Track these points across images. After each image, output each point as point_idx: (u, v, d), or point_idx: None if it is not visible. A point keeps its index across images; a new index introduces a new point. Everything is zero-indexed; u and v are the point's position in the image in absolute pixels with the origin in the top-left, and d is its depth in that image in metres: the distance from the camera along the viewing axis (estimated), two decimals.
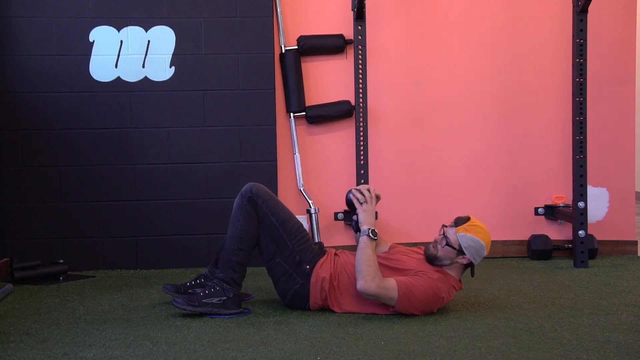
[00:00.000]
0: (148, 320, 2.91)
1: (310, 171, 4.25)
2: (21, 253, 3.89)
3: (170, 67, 4.02)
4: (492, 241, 4.25)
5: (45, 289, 3.56)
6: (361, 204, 3.05)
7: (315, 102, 4.24)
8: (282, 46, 4.18)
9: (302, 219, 4.07)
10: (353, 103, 4.19)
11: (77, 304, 3.23)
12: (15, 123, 3.94)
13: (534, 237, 4.23)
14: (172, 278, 3.79)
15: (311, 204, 4.14)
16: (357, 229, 3.06)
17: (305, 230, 3.09)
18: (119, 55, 3.99)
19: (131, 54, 4.00)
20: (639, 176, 5.55)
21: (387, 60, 4.26)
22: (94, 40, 3.98)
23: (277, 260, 3.01)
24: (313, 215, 4.12)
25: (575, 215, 3.99)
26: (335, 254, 3.09)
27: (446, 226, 3.01)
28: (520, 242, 4.32)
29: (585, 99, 4.01)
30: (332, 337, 2.63)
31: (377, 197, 3.11)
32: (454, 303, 3.11)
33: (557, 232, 4.34)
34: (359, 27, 3.95)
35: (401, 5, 4.25)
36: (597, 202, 4.34)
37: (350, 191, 3.10)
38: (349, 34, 4.21)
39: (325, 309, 3.03)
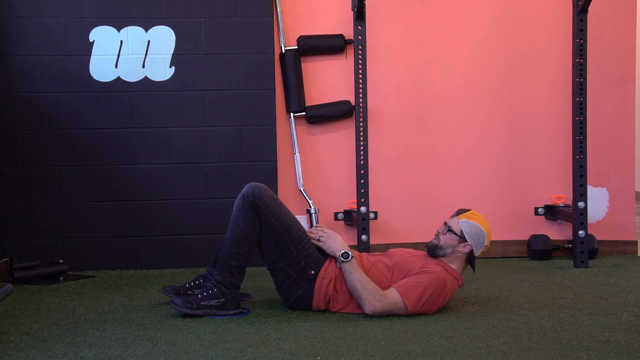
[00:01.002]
0: (148, 320, 2.91)
1: (310, 171, 4.25)
2: (21, 253, 3.89)
3: (170, 67, 4.02)
4: (492, 241, 4.26)
5: (45, 289, 3.56)
6: (319, 240, 3.03)
7: (315, 102, 4.24)
8: (282, 46, 4.18)
9: (302, 219, 4.08)
10: (353, 103, 4.19)
11: (77, 304, 3.23)
12: (15, 123, 3.94)
13: (534, 237, 4.23)
14: (172, 278, 3.79)
15: (311, 204, 4.14)
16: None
17: (307, 234, 3.07)
18: (119, 55, 3.99)
19: (131, 54, 4.00)
20: (639, 176, 5.56)
21: (387, 60, 4.27)
22: (94, 40, 3.98)
23: (281, 265, 2.99)
24: (313, 215, 4.12)
25: (575, 215, 3.99)
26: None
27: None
28: (520, 242, 4.32)
29: (585, 99, 4.01)
30: (332, 337, 2.63)
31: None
32: (454, 303, 3.11)
33: (557, 232, 4.34)
34: (359, 27, 3.95)
35: (401, 5, 4.26)
36: (597, 202, 4.34)
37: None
38: (349, 34, 4.21)
39: (327, 310, 3.02)
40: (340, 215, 4.22)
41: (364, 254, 3.12)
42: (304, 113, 4.20)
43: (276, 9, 4.16)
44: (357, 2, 3.86)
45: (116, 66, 3.99)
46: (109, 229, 4.00)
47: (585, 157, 4.02)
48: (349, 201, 4.24)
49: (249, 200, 2.95)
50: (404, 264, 2.99)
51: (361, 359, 2.38)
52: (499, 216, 4.32)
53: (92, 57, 3.97)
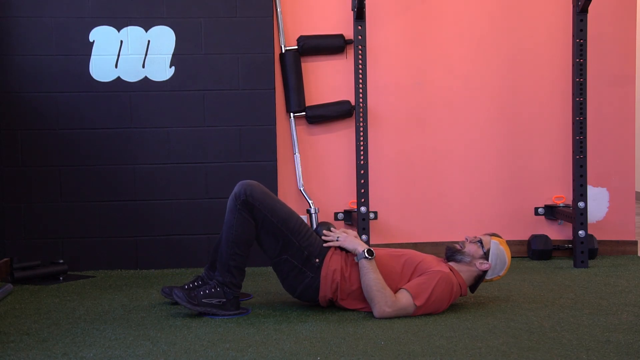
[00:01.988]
0: (148, 320, 2.91)
1: (310, 171, 4.25)
2: (21, 253, 3.89)
3: (170, 67, 4.02)
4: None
5: (45, 289, 3.56)
6: (337, 239, 3.02)
7: (315, 102, 4.24)
8: (282, 46, 4.18)
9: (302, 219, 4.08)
10: (353, 103, 4.19)
11: (77, 304, 3.23)
12: (15, 123, 3.94)
13: (534, 237, 4.23)
14: (172, 278, 3.79)
15: (311, 204, 4.14)
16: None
17: (305, 223, 3.05)
18: (119, 55, 3.99)
19: (131, 54, 4.00)
20: (639, 176, 5.56)
21: (387, 60, 4.27)
22: (94, 40, 3.98)
23: (284, 257, 2.98)
24: (313, 215, 4.12)
25: (575, 215, 3.99)
26: None
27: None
28: (520, 242, 4.32)
29: (585, 99, 4.01)
30: (332, 337, 2.63)
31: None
32: (454, 303, 3.10)
33: (557, 232, 4.34)
34: (359, 27, 3.95)
35: (401, 5, 4.26)
36: (597, 202, 4.34)
37: (320, 225, 3.12)
38: (349, 34, 4.21)
39: (333, 303, 3.01)
40: (340, 215, 4.22)
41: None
42: (304, 113, 4.20)
43: (276, 9, 4.16)
44: (357, 2, 3.86)
45: (116, 66, 3.99)
46: (109, 229, 4.00)
47: (585, 157, 4.02)
48: (349, 201, 4.24)
49: (241, 200, 2.93)
50: (414, 260, 3.00)
51: (361, 359, 2.38)
52: (499, 216, 4.32)
53: (92, 57, 3.97)
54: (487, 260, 3.01)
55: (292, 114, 4.19)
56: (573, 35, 4.01)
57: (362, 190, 3.96)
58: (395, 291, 2.92)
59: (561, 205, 4.26)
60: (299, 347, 2.51)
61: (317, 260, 2.98)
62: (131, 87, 4.00)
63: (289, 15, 4.21)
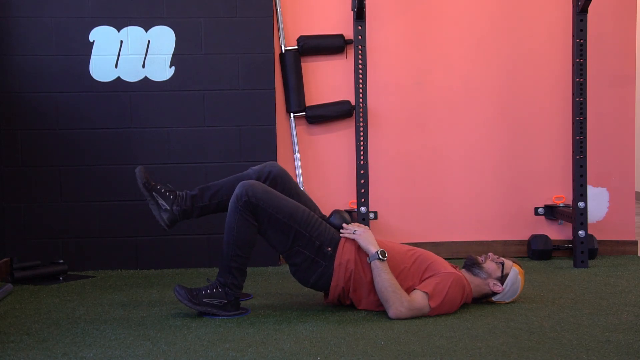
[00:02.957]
0: (148, 320, 2.91)
1: (310, 171, 4.25)
2: (21, 253, 3.89)
3: (170, 67, 4.02)
4: (492, 241, 4.29)
5: (45, 289, 3.56)
6: (354, 232, 3.00)
7: (315, 102, 4.24)
8: (282, 46, 4.18)
9: None
10: (353, 103, 4.19)
11: (77, 304, 3.23)
12: (15, 123, 3.95)
13: (534, 237, 4.23)
14: (172, 278, 3.79)
15: None
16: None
17: (313, 213, 3.04)
18: (119, 55, 3.99)
19: (131, 54, 4.00)
20: (639, 176, 5.56)
21: (387, 60, 4.27)
22: (94, 40, 3.98)
23: (296, 248, 2.96)
24: None
25: (575, 215, 3.99)
26: None
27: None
28: (520, 242, 4.32)
29: (585, 99, 4.01)
30: (332, 337, 2.63)
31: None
32: None
33: (557, 232, 4.34)
34: (359, 27, 3.95)
35: (401, 5, 4.26)
36: (597, 202, 4.34)
37: (335, 213, 3.12)
38: (349, 34, 4.21)
39: (342, 298, 3.00)
40: None
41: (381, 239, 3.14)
42: (304, 113, 4.20)
43: (276, 9, 4.16)
44: (357, 2, 3.86)
45: (116, 66, 3.99)
46: (109, 229, 4.01)
47: (585, 157, 4.02)
48: (349, 201, 4.24)
49: (243, 201, 2.91)
50: (426, 258, 3.01)
51: (361, 359, 2.38)
52: (499, 216, 4.33)
53: (92, 57, 3.97)
54: (502, 284, 3.04)
55: (292, 114, 4.19)
56: (573, 35, 4.01)
57: (362, 190, 3.96)
58: (406, 289, 2.93)
59: (561, 205, 4.26)
60: (299, 347, 2.51)
61: (329, 249, 2.97)
62: (131, 87, 4.00)
63: (289, 15, 4.21)
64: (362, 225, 3.07)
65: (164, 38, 4.01)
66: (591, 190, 4.29)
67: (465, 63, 4.30)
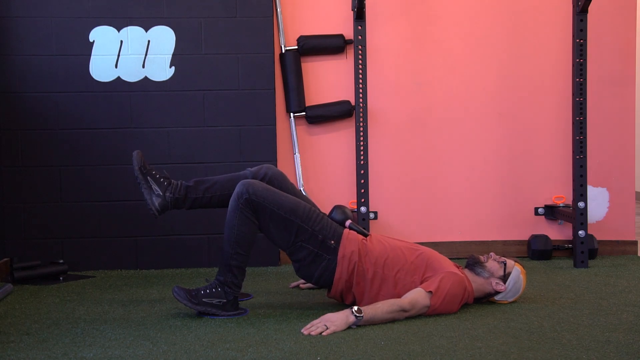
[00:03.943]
0: (148, 320, 2.91)
1: (310, 171, 4.25)
2: (21, 253, 3.89)
3: (170, 67, 4.02)
4: (492, 241, 4.29)
5: (45, 289, 3.56)
6: (326, 329, 2.72)
7: (315, 102, 4.25)
8: (282, 46, 4.18)
9: None
10: (353, 103, 4.19)
11: (77, 304, 3.23)
12: (15, 123, 3.95)
13: (534, 237, 4.23)
14: (172, 278, 3.79)
15: None
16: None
17: (314, 209, 3.04)
18: (119, 55, 3.99)
19: (131, 54, 4.00)
20: (639, 176, 5.56)
21: (387, 60, 4.27)
22: (94, 40, 3.98)
23: (299, 243, 2.96)
24: None
25: (575, 215, 3.99)
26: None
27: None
28: (520, 242, 4.32)
29: (585, 99, 4.01)
30: (332, 337, 2.63)
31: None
32: None
33: (557, 232, 4.34)
34: (359, 27, 3.95)
35: (401, 5, 4.26)
36: (597, 202, 4.34)
37: (336, 208, 3.11)
38: (349, 34, 4.21)
39: (346, 291, 2.99)
40: None
41: (377, 235, 3.14)
42: (304, 113, 4.20)
43: (276, 9, 4.16)
44: (357, 2, 3.86)
45: (116, 66, 3.99)
46: (109, 229, 4.01)
47: (585, 157, 4.02)
48: (349, 201, 4.24)
49: (244, 199, 2.91)
50: (430, 256, 3.01)
51: (361, 359, 2.38)
52: (499, 216, 4.33)
53: (92, 57, 3.97)
54: (504, 283, 3.04)
55: (292, 114, 4.19)
56: (573, 35, 4.01)
57: (362, 190, 3.96)
58: (406, 284, 2.94)
59: (561, 205, 4.26)
60: (299, 347, 2.51)
61: (332, 242, 2.97)
62: (131, 87, 4.00)
63: (289, 15, 4.21)
64: (321, 321, 2.73)
65: (164, 38, 4.01)
66: (591, 190, 4.29)
67: (465, 63, 4.30)
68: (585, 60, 4.00)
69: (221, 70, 4.04)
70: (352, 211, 4.15)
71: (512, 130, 4.32)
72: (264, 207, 2.93)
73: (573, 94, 4.03)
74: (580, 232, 3.98)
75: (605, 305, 3.09)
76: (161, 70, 4.02)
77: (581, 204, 3.98)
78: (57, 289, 3.56)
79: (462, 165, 4.32)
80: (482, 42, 4.30)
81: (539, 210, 4.33)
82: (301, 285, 3.47)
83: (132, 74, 4.00)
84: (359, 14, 3.93)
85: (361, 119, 3.98)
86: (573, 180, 4.04)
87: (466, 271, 3.06)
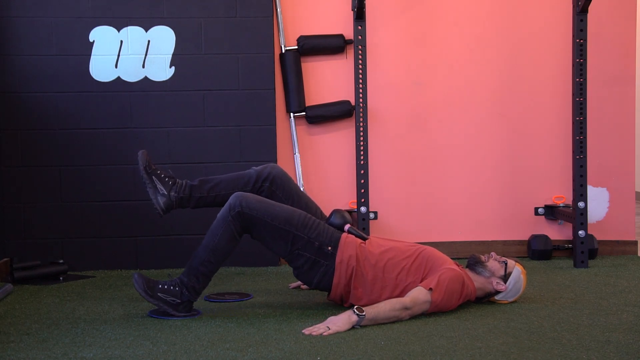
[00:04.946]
0: (148, 320, 2.91)
1: (310, 171, 4.25)
2: (21, 253, 3.89)
3: (170, 67, 4.02)
4: (492, 241, 4.29)
5: (45, 289, 3.56)
6: (328, 329, 2.72)
7: (315, 102, 4.25)
8: (282, 46, 4.18)
9: None
10: (353, 103, 4.19)
11: (77, 304, 3.23)
12: (15, 123, 3.95)
13: (534, 237, 4.23)
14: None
15: None
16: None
17: (310, 215, 3.04)
18: (119, 55, 3.99)
19: (131, 54, 4.00)
20: (639, 176, 5.56)
21: (387, 60, 4.27)
22: (94, 40, 3.98)
23: (296, 251, 2.96)
24: None
25: (575, 215, 3.99)
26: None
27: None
28: (520, 242, 4.32)
29: (585, 99, 4.01)
30: (332, 337, 2.63)
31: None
32: None
33: (557, 232, 4.34)
34: (359, 27, 3.95)
35: (401, 5, 4.26)
36: (597, 202, 4.34)
37: (335, 212, 3.11)
38: (349, 34, 4.21)
39: (346, 295, 2.99)
40: None
41: (376, 237, 3.14)
42: (304, 113, 4.20)
43: (276, 9, 4.16)
44: (357, 2, 3.86)
45: (116, 66, 3.99)
46: (109, 229, 4.01)
47: (585, 157, 4.02)
48: (349, 201, 4.24)
49: (235, 211, 2.91)
50: (431, 254, 3.01)
51: (361, 359, 2.38)
52: (499, 216, 4.33)
53: (92, 57, 3.98)
54: (505, 282, 3.05)
55: (292, 114, 4.19)
56: (573, 35, 4.01)
57: (362, 190, 3.96)
58: (407, 284, 2.94)
59: (561, 205, 4.26)
60: (299, 347, 2.51)
61: (329, 248, 2.97)
62: (131, 87, 4.00)
63: (289, 15, 4.21)
64: (324, 323, 2.74)
65: (164, 38, 4.01)
66: (591, 190, 4.29)
67: (465, 63, 4.30)
68: (585, 60, 4.00)
69: (221, 70, 4.04)
70: (352, 211, 4.15)
71: (512, 130, 4.32)
72: (257, 219, 2.92)
73: (573, 94, 4.03)
74: (580, 232, 3.98)
75: (605, 305, 3.09)
76: (161, 70, 4.02)
77: (581, 204, 3.98)
78: (57, 289, 3.56)
79: (462, 165, 4.32)
80: (482, 42, 4.30)
81: (539, 210, 4.33)
82: (302, 286, 3.47)
83: (132, 74, 4.00)
84: (359, 14, 3.93)
85: (361, 119, 3.98)
86: (573, 180, 4.04)
87: (467, 271, 3.06)
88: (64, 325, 2.86)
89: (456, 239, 4.31)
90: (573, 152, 4.04)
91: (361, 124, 3.99)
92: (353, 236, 3.05)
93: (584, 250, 3.97)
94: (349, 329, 2.71)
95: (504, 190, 4.34)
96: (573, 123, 4.04)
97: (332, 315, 2.83)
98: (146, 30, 4.01)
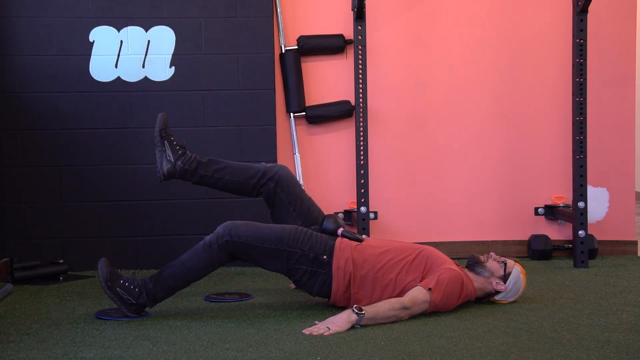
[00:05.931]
0: (148, 320, 2.91)
1: (310, 171, 4.25)
2: (21, 253, 3.89)
3: (170, 67, 4.02)
4: (492, 241, 4.29)
5: (45, 289, 3.56)
6: (328, 329, 2.71)
7: (315, 102, 4.25)
8: (282, 46, 4.18)
9: None
10: (353, 103, 4.19)
11: (77, 304, 3.23)
12: (15, 123, 3.94)
13: (534, 237, 4.23)
14: None
15: None
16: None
17: (300, 227, 3.03)
18: (119, 55, 3.99)
19: (131, 54, 4.00)
20: (639, 176, 5.56)
21: (387, 60, 4.27)
22: (94, 40, 3.98)
23: (293, 266, 2.96)
24: None
25: (575, 215, 3.99)
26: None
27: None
28: (520, 242, 4.32)
29: (585, 99, 4.01)
30: (332, 337, 2.63)
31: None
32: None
33: (557, 232, 4.34)
34: (359, 27, 3.95)
35: (401, 5, 4.26)
36: (597, 202, 4.34)
37: (327, 218, 3.10)
38: (349, 34, 4.21)
39: (347, 298, 2.99)
40: (340, 215, 4.22)
41: (372, 239, 3.14)
42: (304, 113, 4.20)
43: (276, 9, 4.16)
44: (357, 2, 3.86)
45: (116, 66, 3.99)
46: (109, 229, 4.00)
47: (585, 157, 4.02)
48: (349, 201, 4.25)
49: (223, 240, 2.90)
50: (431, 254, 3.01)
51: (361, 359, 2.38)
52: (499, 216, 4.33)
53: (92, 57, 3.97)
54: (505, 283, 3.05)
55: (292, 114, 4.19)
56: (573, 35, 4.01)
57: (362, 190, 3.96)
58: (407, 283, 2.94)
59: (561, 205, 4.26)
60: (299, 347, 2.51)
61: (324, 257, 2.96)
62: (131, 87, 4.00)
63: (289, 15, 4.21)
64: (324, 323, 2.74)
65: (164, 38, 4.01)
66: (591, 190, 4.29)
67: (465, 63, 4.30)
68: (585, 60, 4.00)
69: (221, 70, 4.04)
70: (352, 211, 4.15)
71: (512, 130, 4.32)
72: (248, 245, 2.92)
73: (573, 94, 4.03)
74: (580, 232, 3.98)
75: (605, 305, 3.09)
76: (161, 70, 4.02)
77: (581, 204, 3.98)
78: (57, 289, 3.56)
79: (462, 165, 4.32)
80: (482, 42, 4.30)
81: (539, 210, 4.33)
82: None
83: (132, 74, 4.00)
84: (359, 14, 3.93)
85: (361, 119, 3.98)
86: (573, 180, 4.04)
87: (467, 271, 3.06)
88: (64, 325, 2.86)
89: (456, 239, 4.31)
90: (573, 152, 4.04)
91: (361, 124, 3.98)
92: (348, 240, 3.03)
93: (584, 250, 3.97)
94: (349, 329, 2.71)
95: (504, 190, 4.34)
96: (573, 123, 4.04)
97: (332, 315, 2.83)
98: (146, 30, 4.01)
